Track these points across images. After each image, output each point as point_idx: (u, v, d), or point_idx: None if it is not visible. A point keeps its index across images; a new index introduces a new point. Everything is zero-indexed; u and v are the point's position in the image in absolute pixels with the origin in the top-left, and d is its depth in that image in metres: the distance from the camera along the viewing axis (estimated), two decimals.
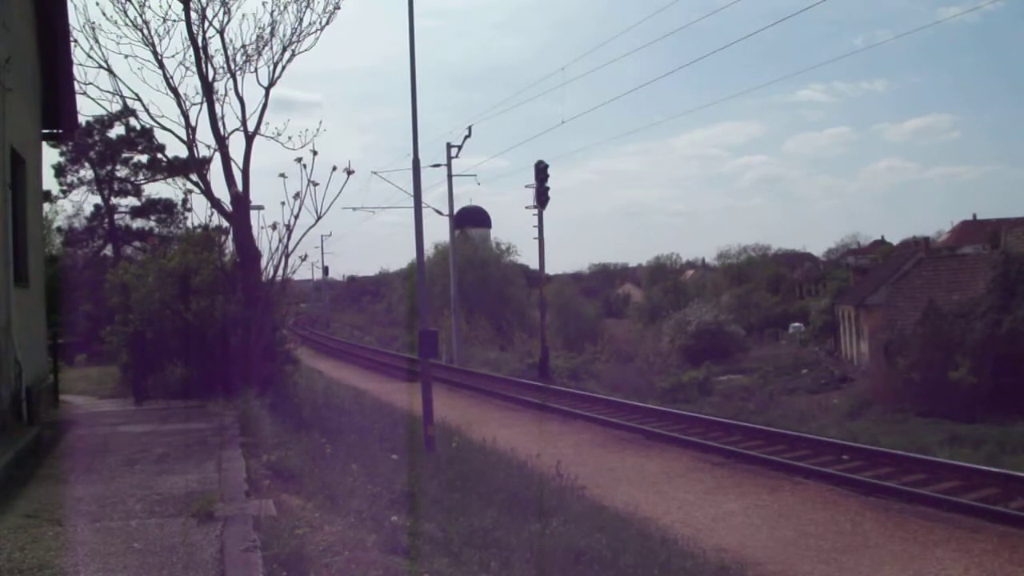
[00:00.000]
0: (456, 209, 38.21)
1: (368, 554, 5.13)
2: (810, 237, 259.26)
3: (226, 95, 11.51)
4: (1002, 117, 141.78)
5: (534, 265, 41.83)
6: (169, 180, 30.49)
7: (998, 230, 39.76)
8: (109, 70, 11.30)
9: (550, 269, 58.53)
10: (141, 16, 11.11)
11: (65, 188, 31.47)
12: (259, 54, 11.58)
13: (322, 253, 68.81)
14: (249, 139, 11.59)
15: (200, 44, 11.35)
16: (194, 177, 12.14)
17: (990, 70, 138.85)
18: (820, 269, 76.83)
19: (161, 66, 11.27)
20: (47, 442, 8.31)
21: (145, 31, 11.17)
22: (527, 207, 30.64)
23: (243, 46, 11.45)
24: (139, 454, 7.52)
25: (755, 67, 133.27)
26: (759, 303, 64.84)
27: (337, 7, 11.85)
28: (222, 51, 11.40)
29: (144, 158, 31.64)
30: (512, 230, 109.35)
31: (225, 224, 12.30)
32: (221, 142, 11.60)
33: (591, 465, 12.87)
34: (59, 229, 32.13)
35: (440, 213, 37.64)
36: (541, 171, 29.70)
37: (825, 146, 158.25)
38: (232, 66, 11.45)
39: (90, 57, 11.22)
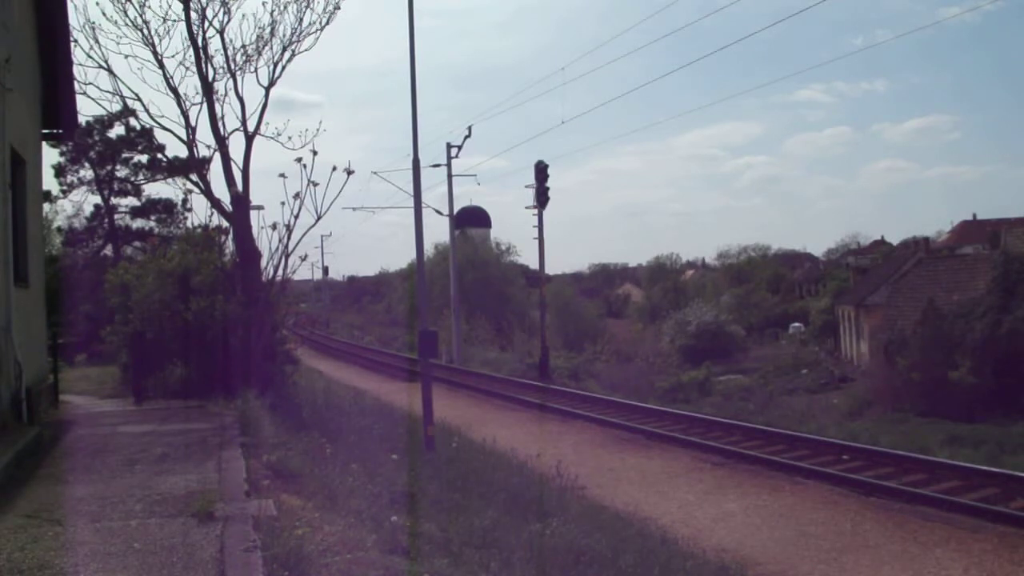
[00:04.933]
0: (456, 209, 38.23)
1: (368, 554, 5.13)
2: (810, 237, 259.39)
3: (226, 95, 11.52)
4: (1002, 117, 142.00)
5: (534, 265, 41.90)
6: (169, 180, 30.51)
7: (998, 230, 39.74)
8: (109, 70, 11.30)
9: (550, 269, 58.61)
10: (141, 16, 11.13)
11: (65, 188, 31.40)
12: (259, 54, 11.59)
13: (322, 253, 68.83)
14: (249, 139, 11.59)
15: (200, 44, 11.35)
16: (194, 177, 12.14)
17: (990, 70, 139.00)
18: (820, 269, 76.80)
19: (161, 66, 11.28)
20: (47, 442, 8.31)
21: (145, 31, 11.18)
22: (527, 207, 30.71)
23: (243, 46, 11.45)
24: (139, 454, 7.52)
25: (755, 67, 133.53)
26: (759, 303, 64.87)
27: (337, 7, 11.86)
28: (222, 51, 11.41)
29: (144, 158, 31.54)
30: (512, 230, 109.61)
31: (225, 224, 12.30)
32: (221, 142, 11.59)
33: (591, 465, 12.87)
34: (59, 229, 32.05)
35: (440, 213, 37.70)
36: (541, 171, 29.69)
37: (825, 146, 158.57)
38: (232, 66, 11.46)
39: (90, 57, 11.23)
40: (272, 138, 11.59)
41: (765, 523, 9.87)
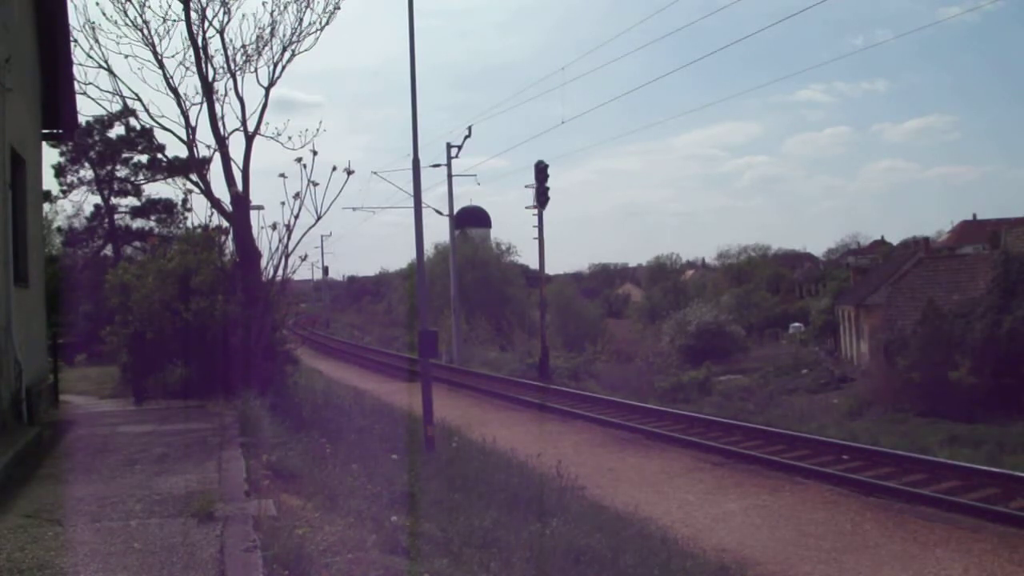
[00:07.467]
0: (456, 209, 38.25)
1: (368, 554, 5.13)
2: (810, 237, 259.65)
3: (226, 95, 11.51)
4: (1002, 117, 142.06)
5: (534, 265, 41.92)
6: (169, 180, 30.54)
7: (998, 230, 39.66)
8: (109, 70, 11.29)
9: (550, 269, 58.65)
10: (141, 16, 11.11)
11: (65, 188, 31.45)
12: (259, 54, 11.57)
13: (322, 253, 68.80)
14: (249, 139, 11.59)
15: (200, 44, 11.34)
16: (194, 177, 12.13)
17: (990, 70, 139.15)
18: (820, 269, 76.83)
19: (161, 66, 11.26)
20: (47, 442, 8.31)
21: (145, 31, 11.16)
22: (527, 207, 30.68)
23: (243, 46, 11.44)
24: (139, 454, 7.52)
25: (755, 67, 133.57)
26: (759, 303, 64.82)
27: (337, 7, 11.85)
28: (222, 51, 11.39)
29: (144, 158, 31.60)
30: (512, 230, 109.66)
31: (225, 224, 12.29)
32: (221, 142, 11.59)
33: (591, 465, 12.88)
34: (59, 229, 32.07)
35: (440, 213, 37.71)
36: (541, 171, 29.68)
37: (825, 146, 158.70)
38: (232, 66, 11.44)
39: (90, 57, 11.21)
40: (272, 138, 11.60)
41: (765, 523, 9.87)
